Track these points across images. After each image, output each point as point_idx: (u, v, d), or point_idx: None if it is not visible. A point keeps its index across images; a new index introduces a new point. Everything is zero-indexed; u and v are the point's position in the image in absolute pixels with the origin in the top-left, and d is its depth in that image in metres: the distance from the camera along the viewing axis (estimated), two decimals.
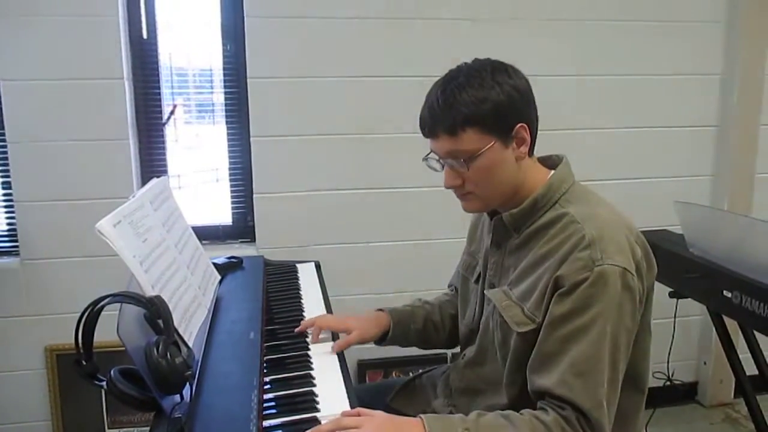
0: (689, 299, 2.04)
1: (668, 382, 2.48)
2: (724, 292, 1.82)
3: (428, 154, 1.25)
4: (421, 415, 1.09)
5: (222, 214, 2.52)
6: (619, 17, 2.48)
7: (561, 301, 1.11)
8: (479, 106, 1.14)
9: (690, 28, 2.55)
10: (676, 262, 1.99)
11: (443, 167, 1.23)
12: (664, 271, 2.04)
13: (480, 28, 2.37)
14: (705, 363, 2.83)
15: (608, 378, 1.10)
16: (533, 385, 1.14)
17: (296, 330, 1.43)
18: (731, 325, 2.10)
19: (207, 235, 2.43)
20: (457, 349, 1.51)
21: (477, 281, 1.38)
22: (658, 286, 2.04)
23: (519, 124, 1.18)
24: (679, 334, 2.32)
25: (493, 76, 1.16)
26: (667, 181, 2.63)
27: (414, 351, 1.64)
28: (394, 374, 2.55)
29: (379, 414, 1.09)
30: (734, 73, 2.57)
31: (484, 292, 1.32)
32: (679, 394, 2.74)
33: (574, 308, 1.10)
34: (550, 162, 1.29)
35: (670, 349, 2.25)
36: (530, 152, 1.24)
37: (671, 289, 2.05)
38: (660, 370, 2.39)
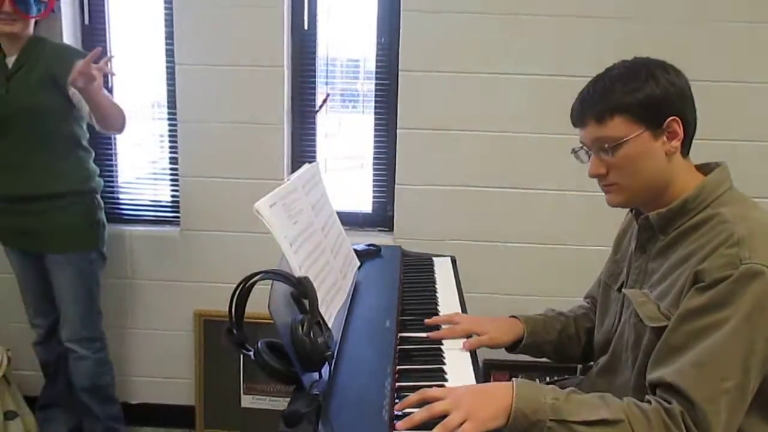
0: None
1: None
2: None
3: (579, 147, 1.25)
4: (514, 379, 1.09)
5: (363, 202, 2.59)
6: None
7: (697, 295, 1.05)
8: (631, 94, 1.14)
9: None
10: None
11: (589, 158, 1.23)
12: None
13: (633, 28, 2.23)
14: None
15: (736, 383, 1.01)
16: (649, 377, 1.09)
17: (426, 321, 1.43)
18: None
19: (347, 221, 2.49)
20: (590, 364, 1.46)
21: (620, 290, 1.33)
22: None
23: (672, 118, 1.15)
24: None
25: (649, 69, 1.16)
26: None
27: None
28: (519, 377, 2.50)
29: (464, 386, 1.11)
30: None
31: (623, 290, 1.28)
32: None
33: (711, 303, 1.04)
34: (707, 168, 1.22)
35: None
36: (684, 152, 1.20)
37: None
38: None
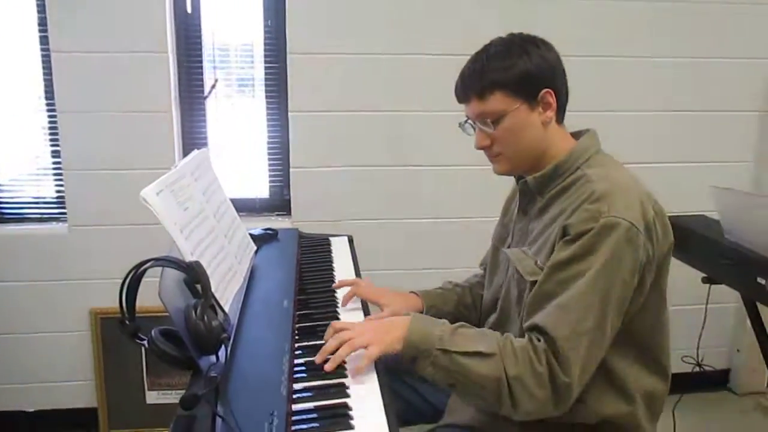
0: (723, 286, 2.02)
1: (697, 368, 2.46)
2: (758, 279, 1.79)
3: (465, 121, 1.34)
4: (412, 313, 1.24)
5: (259, 187, 2.58)
6: None
7: (565, 248, 1.17)
8: (506, 71, 1.24)
9: (738, 12, 2.49)
10: (710, 248, 1.97)
11: (475, 131, 1.32)
12: (698, 256, 2.02)
13: (517, 5, 2.36)
14: (738, 351, 2.80)
15: (594, 325, 1.13)
16: (526, 323, 1.20)
17: (333, 285, 1.54)
18: (766, 312, 2.07)
19: (244, 207, 2.49)
20: None
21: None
22: (691, 271, 2.03)
23: (545, 90, 1.25)
24: (713, 321, 2.29)
25: (522, 46, 1.26)
26: (708, 166, 2.59)
27: None
28: None
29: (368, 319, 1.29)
30: None
31: (503, 250, 1.38)
32: (709, 380, 2.72)
33: (576, 254, 1.15)
34: (579, 135, 1.34)
35: (701, 334, 2.24)
36: (559, 120, 1.31)
37: (704, 275, 2.04)
38: (690, 355, 2.38)
